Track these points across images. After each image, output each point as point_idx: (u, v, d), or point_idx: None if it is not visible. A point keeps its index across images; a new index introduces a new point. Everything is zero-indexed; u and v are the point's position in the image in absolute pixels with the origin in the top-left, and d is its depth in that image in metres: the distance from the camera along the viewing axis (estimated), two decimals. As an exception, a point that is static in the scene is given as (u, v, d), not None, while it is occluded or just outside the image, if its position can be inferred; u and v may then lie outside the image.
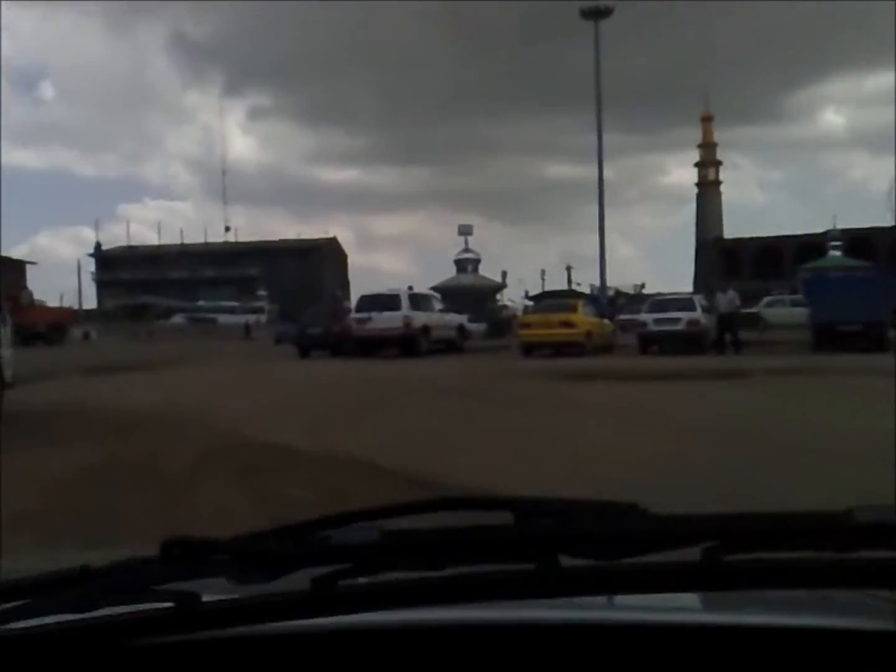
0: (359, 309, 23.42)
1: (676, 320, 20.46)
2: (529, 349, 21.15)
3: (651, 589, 0.72)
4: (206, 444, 7.37)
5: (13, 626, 0.70)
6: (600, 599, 0.81)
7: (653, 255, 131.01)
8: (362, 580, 0.69)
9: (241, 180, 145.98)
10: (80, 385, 15.11)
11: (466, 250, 54.28)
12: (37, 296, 54.03)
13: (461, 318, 26.31)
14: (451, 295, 37.29)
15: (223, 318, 59.17)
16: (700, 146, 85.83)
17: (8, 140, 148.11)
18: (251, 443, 7.33)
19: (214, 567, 0.71)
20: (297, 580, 0.69)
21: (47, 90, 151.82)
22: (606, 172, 40.00)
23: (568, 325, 20.57)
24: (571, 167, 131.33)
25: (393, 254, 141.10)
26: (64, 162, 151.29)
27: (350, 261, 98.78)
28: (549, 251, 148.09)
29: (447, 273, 52.65)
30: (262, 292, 76.96)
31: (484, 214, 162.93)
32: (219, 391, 12.57)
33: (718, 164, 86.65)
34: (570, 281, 62.75)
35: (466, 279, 52.04)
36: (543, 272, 66.48)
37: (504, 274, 56.53)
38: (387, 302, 22.92)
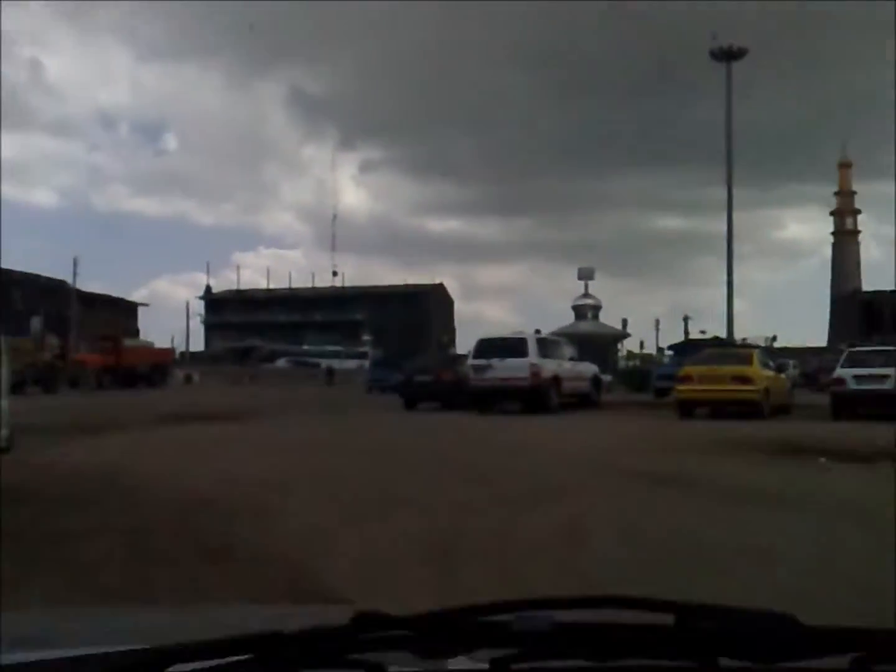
0: (477, 355, 19.69)
1: (884, 378, 15.98)
2: (689, 408, 17.00)
3: None
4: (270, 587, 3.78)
5: None
6: None
7: (767, 309, 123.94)
8: (534, 665, 0.74)
9: (350, 230, 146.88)
10: (142, 440, 12.26)
11: (586, 296, 49.92)
12: (150, 338, 53.67)
13: (595, 369, 22.30)
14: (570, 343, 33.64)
15: (326, 363, 56.84)
16: (837, 194, 79.52)
17: (131, 188, 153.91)
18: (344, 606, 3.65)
19: (401, 641, 0.76)
20: (476, 659, 0.74)
21: (170, 142, 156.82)
22: (719, 226, 36.48)
23: (743, 379, 16.32)
24: (679, 220, 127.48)
25: (496, 303, 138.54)
26: (183, 210, 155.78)
27: (455, 308, 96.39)
28: (656, 304, 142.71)
29: (551, 323, 48.93)
30: (366, 337, 74.78)
31: (584, 265, 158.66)
32: (304, 463, 9.06)
33: (857, 212, 79.97)
34: (686, 332, 57.99)
35: (586, 326, 47.38)
36: (658, 322, 62.17)
37: (625, 322, 52.15)
38: (511, 347, 19.17)
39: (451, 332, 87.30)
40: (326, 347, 71.37)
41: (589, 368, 21.74)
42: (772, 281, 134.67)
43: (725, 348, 22.79)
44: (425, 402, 21.51)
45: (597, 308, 50.57)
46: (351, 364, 59.01)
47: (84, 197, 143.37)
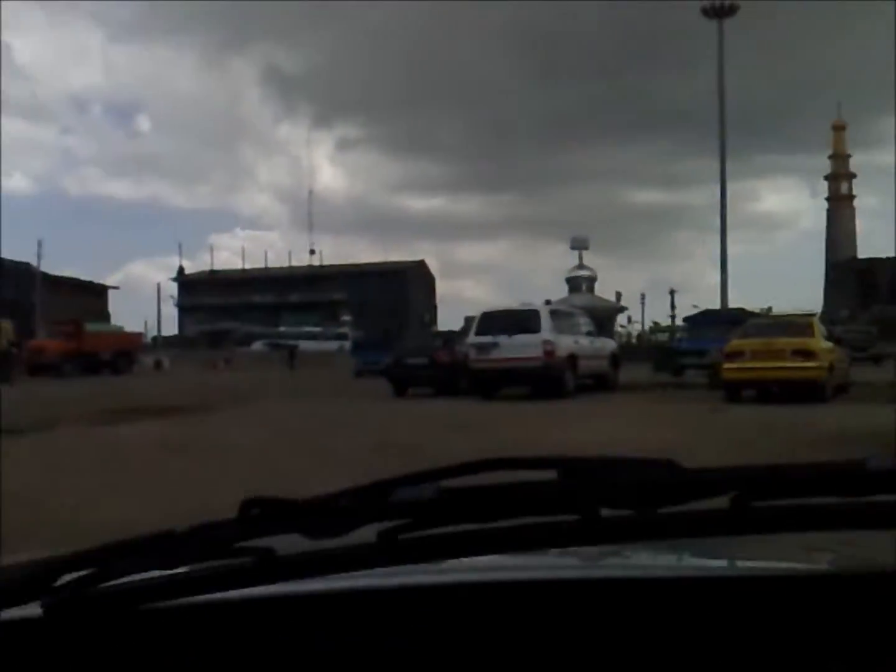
0: (480, 331, 16.85)
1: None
2: (737, 389, 14.26)
3: (685, 534, 0.77)
4: None
5: (105, 585, 0.74)
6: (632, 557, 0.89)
7: (748, 281, 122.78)
8: (422, 533, 0.73)
9: (327, 209, 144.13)
10: (58, 447, 9.41)
11: (581, 267, 46.93)
12: (123, 322, 50.62)
13: (614, 345, 19.53)
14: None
15: (304, 345, 53.86)
16: (831, 157, 76.96)
17: (105, 171, 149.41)
18: None
19: (288, 525, 0.75)
20: (365, 535, 0.73)
21: (143, 123, 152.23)
22: (693, 198, 35.00)
23: (806, 354, 13.56)
24: (658, 193, 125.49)
25: (478, 280, 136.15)
26: (158, 193, 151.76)
27: (436, 286, 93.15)
28: (637, 278, 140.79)
29: (536, 299, 45.82)
30: (346, 317, 71.76)
31: (566, 241, 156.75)
32: (267, 486, 6.17)
33: (852, 176, 77.44)
34: (672, 306, 55.86)
35: (581, 299, 44.23)
36: (643, 296, 60.17)
37: (619, 295, 49.32)
38: (520, 321, 16.37)
39: (433, 310, 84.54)
40: (304, 328, 68.27)
41: (607, 345, 18.97)
42: (748, 252, 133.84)
43: (778, 317, 20.01)
44: (417, 388, 18.76)
45: (592, 280, 47.70)
46: (331, 345, 56.00)
47: (56, 181, 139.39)
